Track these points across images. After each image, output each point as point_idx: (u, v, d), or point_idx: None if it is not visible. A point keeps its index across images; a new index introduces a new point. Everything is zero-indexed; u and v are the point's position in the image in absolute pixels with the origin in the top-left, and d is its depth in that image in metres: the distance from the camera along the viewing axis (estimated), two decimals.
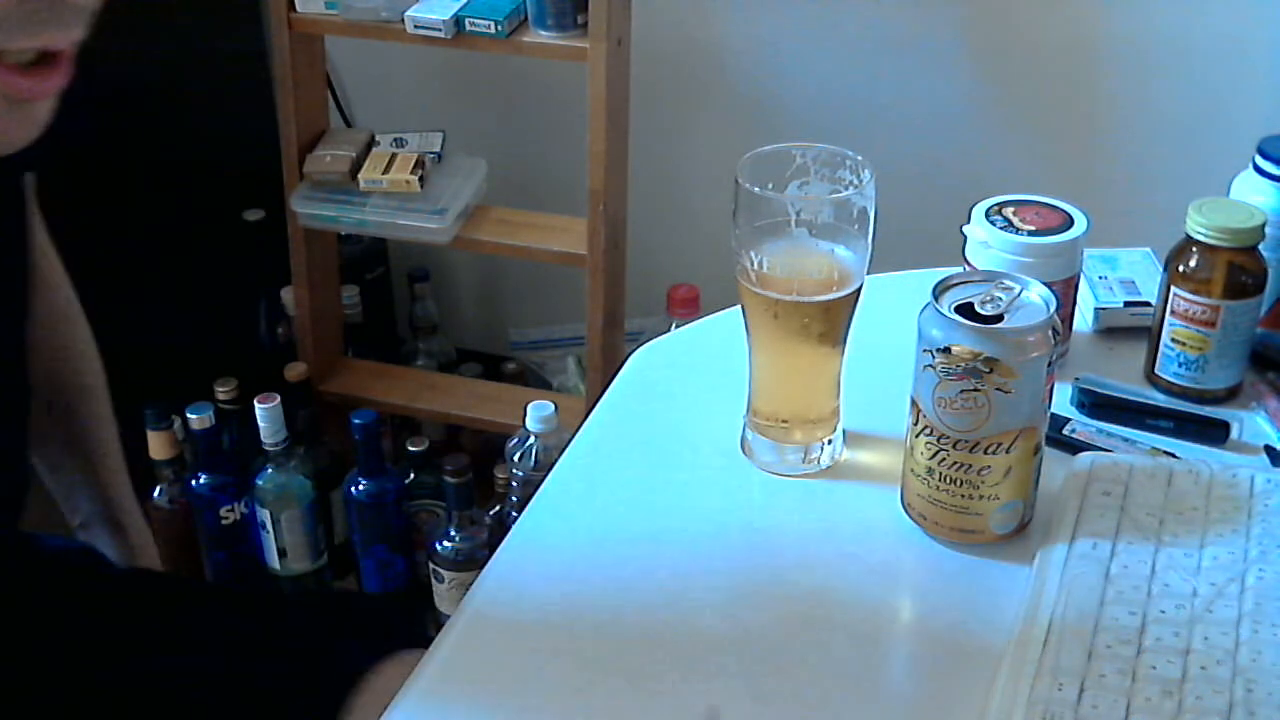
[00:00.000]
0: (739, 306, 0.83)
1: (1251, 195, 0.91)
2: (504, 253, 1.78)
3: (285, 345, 2.00)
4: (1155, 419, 0.88)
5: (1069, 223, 0.89)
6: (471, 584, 0.78)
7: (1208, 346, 0.88)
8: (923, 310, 0.75)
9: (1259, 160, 0.91)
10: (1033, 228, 0.89)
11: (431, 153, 1.74)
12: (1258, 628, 0.67)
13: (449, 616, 0.76)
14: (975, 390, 0.72)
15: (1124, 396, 0.89)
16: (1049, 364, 0.73)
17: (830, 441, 0.85)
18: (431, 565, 1.69)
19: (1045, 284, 0.75)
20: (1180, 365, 0.90)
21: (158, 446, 1.72)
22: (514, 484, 1.63)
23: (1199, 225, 0.86)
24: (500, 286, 2.24)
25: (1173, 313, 0.89)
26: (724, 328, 0.94)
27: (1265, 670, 0.65)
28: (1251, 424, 0.88)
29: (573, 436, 0.90)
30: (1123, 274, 1.00)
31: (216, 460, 1.73)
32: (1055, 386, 0.75)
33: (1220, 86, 1.73)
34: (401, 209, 1.71)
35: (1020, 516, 0.77)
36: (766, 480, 0.85)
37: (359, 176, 1.71)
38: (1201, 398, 0.90)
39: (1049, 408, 0.75)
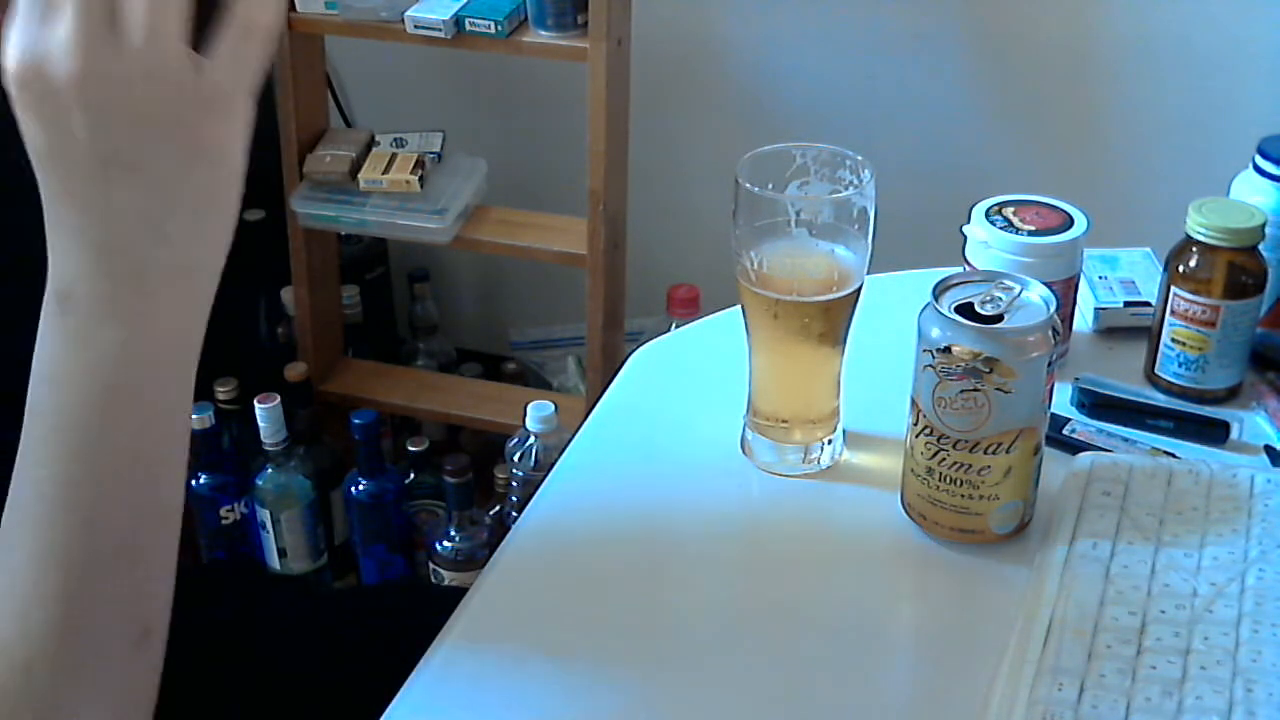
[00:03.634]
0: (739, 306, 0.83)
1: (1251, 195, 0.91)
2: (504, 253, 1.78)
3: (285, 345, 1.99)
4: (1155, 419, 0.88)
5: (1069, 223, 0.89)
6: (472, 584, 0.78)
7: (1208, 346, 0.88)
8: (923, 310, 0.75)
9: (1259, 160, 0.91)
10: (1033, 228, 0.89)
11: (431, 153, 1.74)
12: (1258, 628, 0.67)
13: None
14: (975, 390, 0.72)
15: (1124, 396, 0.89)
16: (1049, 364, 0.73)
17: (830, 441, 0.85)
18: (431, 565, 1.69)
19: (1045, 284, 0.75)
20: (1180, 365, 0.89)
21: None
22: (514, 484, 1.63)
23: (1199, 225, 0.86)
24: (500, 286, 2.23)
25: (1173, 313, 0.89)
26: (724, 328, 0.94)
27: (1265, 670, 0.65)
28: (1251, 424, 0.88)
29: (573, 436, 0.90)
30: (1123, 274, 1.00)
31: (216, 460, 1.73)
32: (1055, 386, 0.75)
33: (1221, 86, 1.73)
34: (401, 209, 1.70)
35: (1020, 516, 0.77)
36: (766, 480, 0.85)
37: (359, 176, 1.71)
38: (1201, 398, 0.90)
39: (1049, 408, 0.75)
